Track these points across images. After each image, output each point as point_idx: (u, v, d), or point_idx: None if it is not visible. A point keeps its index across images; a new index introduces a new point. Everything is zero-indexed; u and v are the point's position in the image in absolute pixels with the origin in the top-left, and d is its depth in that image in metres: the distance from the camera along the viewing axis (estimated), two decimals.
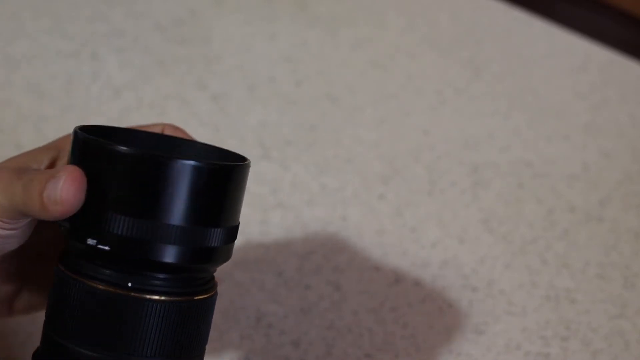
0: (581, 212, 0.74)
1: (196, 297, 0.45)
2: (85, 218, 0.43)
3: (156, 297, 0.43)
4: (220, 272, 0.49)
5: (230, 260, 0.48)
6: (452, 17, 0.89)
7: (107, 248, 0.42)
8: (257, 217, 0.71)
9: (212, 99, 0.80)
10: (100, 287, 0.43)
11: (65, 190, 0.43)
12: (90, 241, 0.43)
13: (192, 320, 0.45)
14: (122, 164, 0.42)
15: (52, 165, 0.48)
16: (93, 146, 0.43)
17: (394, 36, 0.89)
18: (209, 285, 0.46)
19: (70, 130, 0.46)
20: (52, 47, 0.84)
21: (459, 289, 0.69)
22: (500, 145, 0.78)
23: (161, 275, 0.44)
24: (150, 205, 0.42)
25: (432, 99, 0.82)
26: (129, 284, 0.43)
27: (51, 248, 0.51)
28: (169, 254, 0.43)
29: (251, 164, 0.47)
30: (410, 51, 0.88)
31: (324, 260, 0.69)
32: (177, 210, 0.42)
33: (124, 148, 0.42)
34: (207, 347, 0.53)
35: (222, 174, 0.44)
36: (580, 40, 0.87)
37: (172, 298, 0.44)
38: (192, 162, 0.42)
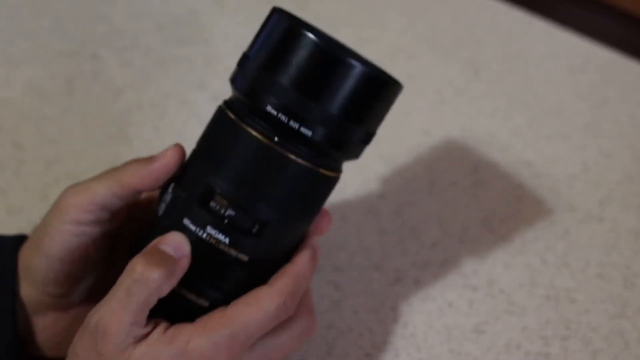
0: (581, 212, 0.74)
1: (323, 171, 0.53)
2: (261, 79, 0.52)
3: (294, 157, 0.51)
4: None
5: None
6: (452, 17, 0.89)
7: (267, 109, 0.51)
8: None
9: (212, 98, 0.81)
10: (253, 133, 0.52)
11: (170, 151, 0.55)
12: (260, 105, 0.51)
13: (316, 188, 0.53)
14: (308, 49, 0.51)
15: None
16: (286, 23, 0.52)
17: (394, 36, 0.89)
18: (337, 170, 0.55)
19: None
20: (53, 47, 0.84)
21: (459, 288, 0.69)
22: (500, 145, 0.78)
23: (303, 146, 0.52)
24: (315, 88, 0.51)
25: (432, 99, 0.82)
26: (276, 139, 0.51)
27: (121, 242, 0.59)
28: (316, 131, 0.51)
29: None
30: (410, 51, 0.88)
31: (324, 260, 0.69)
32: (335, 99, 0.51)
33: (313, 36, 0.51)
34: None
35: (381, 84, 0.52)
36: (580, 40, 0.87)
37: (306, 163, 0.52)
38: (362, 65, 0.51)
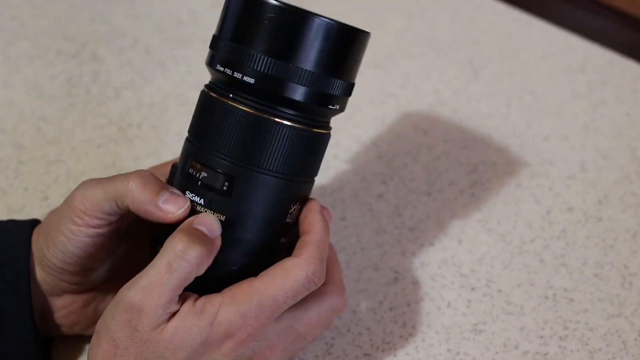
0: (579, 212, 0.74)
1: (314, 130, 0.55)
2: (235, 54, 0.54)
3: (284, 122, 0.53)
4: None
5: None
6: (451, 17, 0.89)
7: (251, 81, 0.53)
8: None
9: None
10: (241, 107, 0.54)
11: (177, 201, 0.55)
12: (237, 75, 0.53)
13: (308, 148, 0.55)
14: (272, 13, 0.52)
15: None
16: None
17: (392, 36, 0.90)
18: (326, 126, 0.56)
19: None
20: (53, 47, 0.84)
21: (457, 288, 0.69)
22: (499, 145, 0.79)
23: (289, 110, 0.54)
24: (289, 50, 0.52)
25: (432, 99, 0.82)
26: (264, 108, 0.53)
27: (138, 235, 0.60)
28: (298, 93, 0.53)
29: None
30: (409, 51, 0.88)
31: None
32: (310, 58, 0.53)
33: (275, 1, 0.53)
34: None
35: (351, 35, 0.55)
36: (578, 40, 0.87)
37: (295, 125, 0.54)
38: (328, 20, 0.53)
